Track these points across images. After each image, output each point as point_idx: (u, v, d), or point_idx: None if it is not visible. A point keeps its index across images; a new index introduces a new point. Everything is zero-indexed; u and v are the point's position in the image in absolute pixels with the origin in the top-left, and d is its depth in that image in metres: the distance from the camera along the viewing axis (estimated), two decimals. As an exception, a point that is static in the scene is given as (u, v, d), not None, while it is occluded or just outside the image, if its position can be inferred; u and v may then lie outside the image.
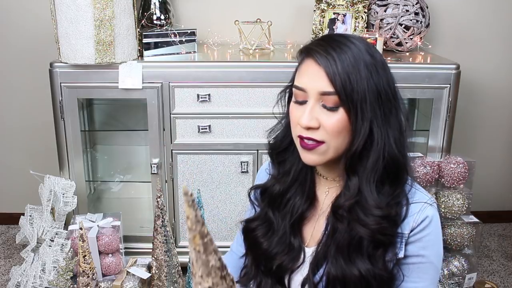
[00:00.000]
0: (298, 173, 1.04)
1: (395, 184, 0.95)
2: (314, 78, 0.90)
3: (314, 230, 1.04)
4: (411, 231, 0.95)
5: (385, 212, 0.92)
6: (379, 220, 0.92)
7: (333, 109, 0.90)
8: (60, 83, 2.07)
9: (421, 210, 0.95)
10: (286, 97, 1.02)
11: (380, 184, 0.94)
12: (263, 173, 1.15)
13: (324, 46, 0.91)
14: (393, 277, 0.96)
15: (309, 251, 1.03)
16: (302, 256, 1.02)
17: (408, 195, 0.97)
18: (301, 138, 0.94)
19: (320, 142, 0.92)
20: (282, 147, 1.05)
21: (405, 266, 0.96)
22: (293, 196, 1.04)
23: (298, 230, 1.04)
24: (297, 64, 0.98)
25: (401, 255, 0.95)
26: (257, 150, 2.15)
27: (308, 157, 0.95)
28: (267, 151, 1.10)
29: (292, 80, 0.98)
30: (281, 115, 1.06)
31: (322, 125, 0.91)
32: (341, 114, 0.90)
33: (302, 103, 0.93)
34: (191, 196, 0.63)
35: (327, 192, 1.05)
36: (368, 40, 2.15)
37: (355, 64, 0.89)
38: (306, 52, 0.94)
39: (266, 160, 1.16)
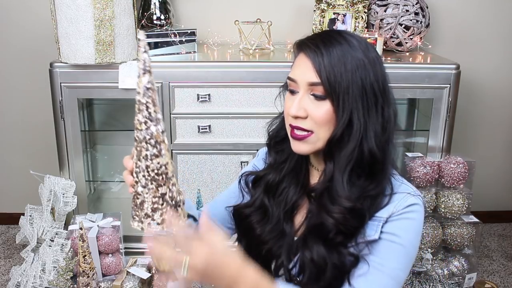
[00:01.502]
0: (295, 163, 1.08)
1: (369, 178, 0.98)
2: (304, 70, 0.97)
3: (303, 219, 1.07)
4: (390, 215, 0.97)
5: (351, 204, 0.95)
6: (343, 211, 0.95)
7: (321, 97, 0.95)
8: (60, 83, 2.07)
9: (403, 198, 0.98)
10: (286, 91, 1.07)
11: (356, 176, 0.97)
12: (260, 161, 1.20)
13: (314, 40, 0.98)
14: (357, 260, 0.96)
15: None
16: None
17: (393, 187, 1.00)
18: (291, 127, 0.99)
19: (309, 132, 0.97)
20: (280, 137, 1.10)
21: (377, 241, 0.96)
22: (288, 185, 1.08)
23: (290, 218, 1.08)
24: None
25: (375, 236, 0.96)
26: (257, 150, 2.14)
27: (297, 147, 1.00)
28: (265, 142, 1.15)
29: None
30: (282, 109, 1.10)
31: (310, 115, 0.96)
32: (327, 105, 0.95)
33: (294, 93, 0.99)
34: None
35: None
36: (368, 40, 2.15)
37: (342, 58, 0.94)
38: (299, 47, 1.01)
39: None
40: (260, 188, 1.11)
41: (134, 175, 0.86)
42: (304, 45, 0.99)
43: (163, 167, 0.85)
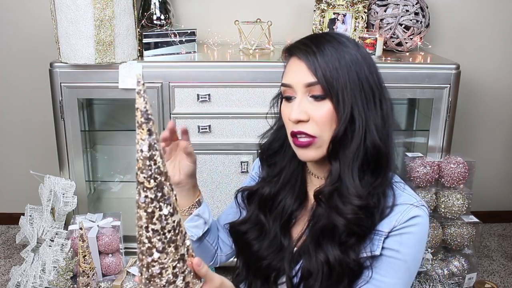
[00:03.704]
0: (290, 175, 1.06)
1: (375, 173, 0.96)
2: (298, 73, 0.95)
3: (302, 230, 1.04)
4: (392, 229, 0.94)
5: (363, 202, 0.92)
6: (356, 210, 0.92)
7: (320, 97, 0.93)
8: (60, 83, 2.07)
9: (406, 211, 0.94)
10: (279, 102, 1.05)
11: (362, 172, 0.95)
12: (250, 178, 1.18)
13: (303, 43, 0.97)
14: (361, 270, 0.95)
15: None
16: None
17: (395, 196, 0.97)
18: (294, 135, 0.96)
19: (312, 137, 0.94)
20: (273, 150, 1.09)
21: (377, 257, 0.95)
22: (284, 197, 1.06)
23: (287, 230, 1.06)
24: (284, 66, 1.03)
25: (377, 252, 0.94)
26: (257, 150, 2.14)
27: (304, 154, 0.97)
28: (258, 154, 1.14)
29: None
30: (275, 116, 1.09)
31: (312, 117, 0.94)
32: (327, 104, 0.93)
33: (291, 99, 0.97)
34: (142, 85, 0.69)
35: None
36: (368, 40, 2.15)
37: (335, 54, 0.93)
38: (288, 52, 1.00)
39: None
40: (254, 203, 1.09)
41: (146, 240, 0.74)
42: (294, 49, 0.98)
43: (179, 226, 0.76)
